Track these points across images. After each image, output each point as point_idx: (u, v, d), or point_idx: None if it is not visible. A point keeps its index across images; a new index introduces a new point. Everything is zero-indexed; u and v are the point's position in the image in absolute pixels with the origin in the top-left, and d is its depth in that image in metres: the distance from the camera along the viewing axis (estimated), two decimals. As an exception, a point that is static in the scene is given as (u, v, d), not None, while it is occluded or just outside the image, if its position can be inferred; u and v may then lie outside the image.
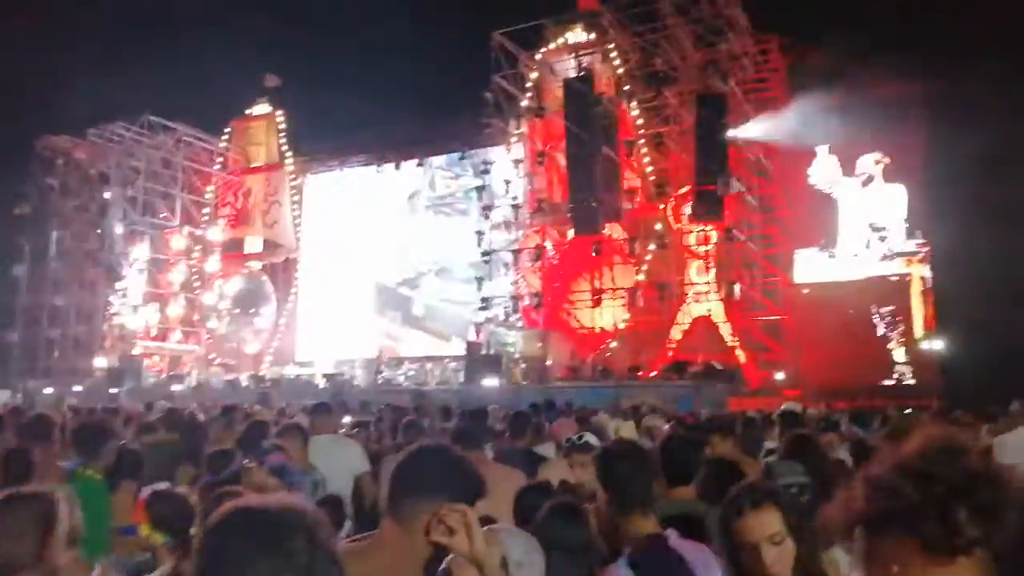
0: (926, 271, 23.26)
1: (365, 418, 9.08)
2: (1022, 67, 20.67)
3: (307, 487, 4.34)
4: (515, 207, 26.37)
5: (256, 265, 34.67)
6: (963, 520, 1.02)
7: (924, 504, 1.04)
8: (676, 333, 24.48)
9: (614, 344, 24.42)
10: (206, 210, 34.44)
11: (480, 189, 27.57)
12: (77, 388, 26.51)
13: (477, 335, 25.52)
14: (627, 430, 7.74)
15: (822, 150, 24.23)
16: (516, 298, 25.62)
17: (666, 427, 8.01)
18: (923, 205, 23.00)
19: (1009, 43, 20.02)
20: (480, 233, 26.50)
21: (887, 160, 23.43)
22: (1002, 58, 19.34)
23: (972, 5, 21.92)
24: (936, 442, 1.12)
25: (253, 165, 34.89)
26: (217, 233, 34.03)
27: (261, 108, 34.65)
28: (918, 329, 23.12)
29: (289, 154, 34.13)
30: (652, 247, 24.68)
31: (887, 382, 22.68)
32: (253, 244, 34.53)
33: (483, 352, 24.09)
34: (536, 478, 3.93)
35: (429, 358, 28.38)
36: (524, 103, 26.91)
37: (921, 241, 23.21)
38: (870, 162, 23.64)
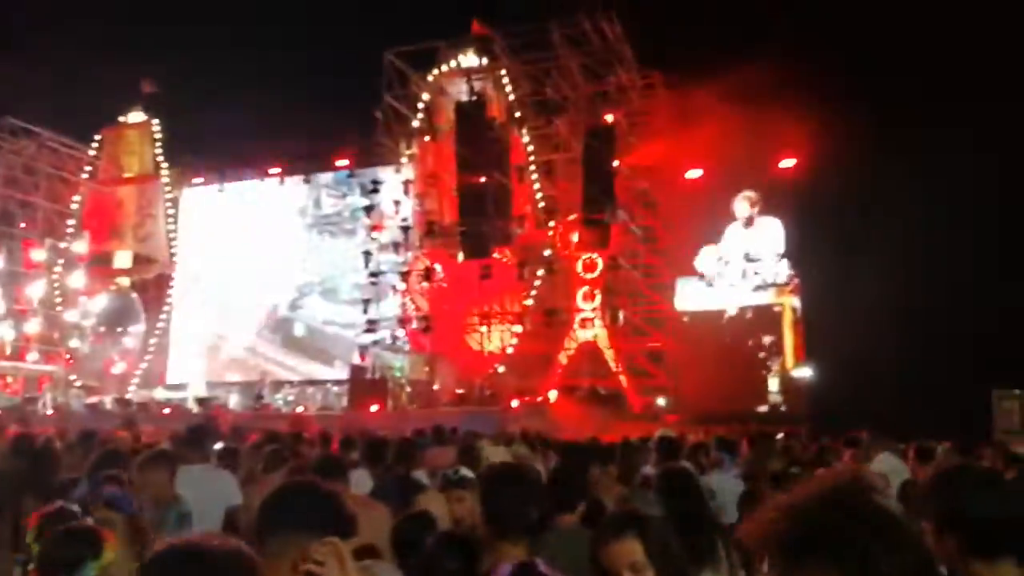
0: (797, 301, 24.42)
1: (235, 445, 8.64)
2: (888, 107, 22.24)
3: (171, 521, 4.08)
4: (404, 229, 25.98)
5: (125, 281, 32.65)
6: (879, 555, 1.10)
7: (847, 539, 1.11)
8: (563, 358, 24.75)
9: (502, 368, 24.39)
10: (71, 221, 32.26)
11: (368, 209, 27.00)
12: None
13: (362, 358, 24.89)
14: (499, 456, 7.78)
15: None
16: (403, 321, 25.23)
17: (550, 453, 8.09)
18: (795, 238, 24.21)
19: (879, 82, 21.52)
20: (367, 254, 25.94)
21: (760, 201, 24.50)
22: (871, 97, 20.74)
23: (848, 47, 23.46)
24: (848, 476, 1.23)
25: (126, 175, 32.97)
26: (82, 246, 31.84)
27: (136, 116, 32.82)
28: (789, 358, 24.19)
29: (165, 165, 32.46)
30: (541, 272, 24.88)
31: (762, 408, 23.55)
32: (122, 259, 32.44)
33: (368, 376, 23.54)
34: (414, 507, 3.85)
35: (311, 382, 27.47)
36: (415, 124, 26.69)
37: (792, 272, 24.35)
38: (745, 203, 24.65)
